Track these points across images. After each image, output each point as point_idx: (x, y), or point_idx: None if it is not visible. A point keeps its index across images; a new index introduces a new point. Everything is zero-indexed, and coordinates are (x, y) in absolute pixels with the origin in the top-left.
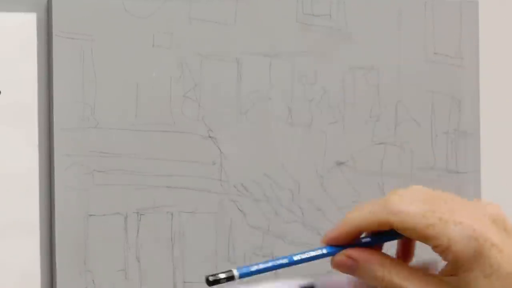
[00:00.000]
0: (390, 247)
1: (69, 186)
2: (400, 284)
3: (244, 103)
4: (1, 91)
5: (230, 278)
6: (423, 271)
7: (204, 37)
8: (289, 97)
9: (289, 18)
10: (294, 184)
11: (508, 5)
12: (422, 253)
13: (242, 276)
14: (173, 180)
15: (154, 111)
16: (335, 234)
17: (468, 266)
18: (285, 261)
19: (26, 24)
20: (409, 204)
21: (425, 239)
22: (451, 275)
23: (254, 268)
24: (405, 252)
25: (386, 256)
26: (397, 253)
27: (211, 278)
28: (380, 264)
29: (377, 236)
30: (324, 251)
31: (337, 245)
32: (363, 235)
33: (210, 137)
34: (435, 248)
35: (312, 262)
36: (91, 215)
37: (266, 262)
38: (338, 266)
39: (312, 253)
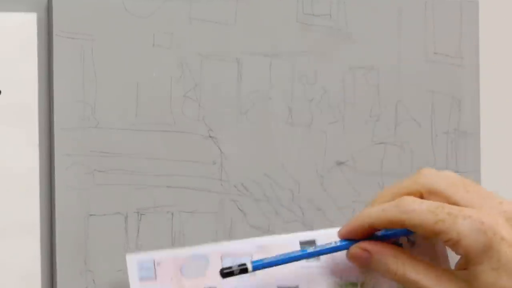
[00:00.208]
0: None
1: (69, 186)
2: (413, 278)
3: (245, 103)
4: (1, 91)
5: (244, 270)
6: (436, 265)
7: (204, 37)
8: (289, 97)
9: (289, 18)
10: (294, 184)
11: (508, 5)
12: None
13: (255, 268)
14: (174, 180)
15: (155, 110)
16: (348, 228)
17: (478, 259)
18: (298, 253)
19: (26, 24)
20: (420, 203)
21: (435, 235)
22: (464, 269)
23: (267, 260)
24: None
25: (400, 249)
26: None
27: (225, 271)
28: (393, 256)
29: (392, 230)
30: (338, 243)
31: (351, 238)
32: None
33: (210, 137)
34: (446, 242)
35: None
36: (91, 214)
37: (280, 255)
38: (353, 258)
39: (325, 245)
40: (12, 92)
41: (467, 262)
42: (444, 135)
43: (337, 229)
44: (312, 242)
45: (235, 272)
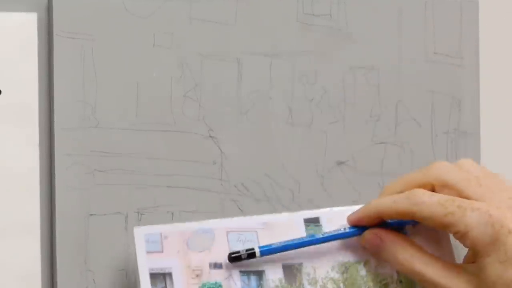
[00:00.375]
0: None
1: (69, 186)
2: (420, 270)
3: (245, 103)
4: (2, 91)
5: (252, 255)
6: (441, 255)
7: (204, 37)
8: (290, 97)
9: (290, 18)
10: (295, 183)
11: (508, 5)
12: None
13: (263, 253)
14: (174, 180)
15: (155, 110)
16: (358, 216)
17: (485, 251)
18: (306, 239)
19: (27, 24)
20: (430, 195)
21: (444, 227)
22: (472, 262)
23: (275, 245)
24: None
25: (410, 240)
26: None
27: (233, 255)
28: (403, 247)
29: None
30: (346, 230)
31: (359, 226)
32: None
33: (210, 136)
34: (454, 235)
35: None
36: (91, 214)
37: (288, 240)
38: (366, 243)
39: (334, 232)
40: (13, 92)
41: (475, 255)
42: (444, 135)
43: (341, 208)
44: (316, 220)
45: (242, 257)
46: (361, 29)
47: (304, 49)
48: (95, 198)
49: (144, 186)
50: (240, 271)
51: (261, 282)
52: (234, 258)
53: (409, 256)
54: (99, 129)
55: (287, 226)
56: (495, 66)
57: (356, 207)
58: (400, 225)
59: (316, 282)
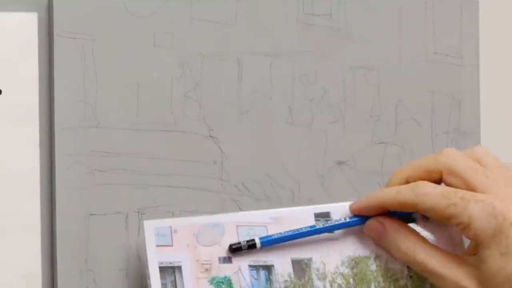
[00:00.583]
0: None
1: (70, 186)
2: (422, 260)
3: (245, 102)
4: (2, 91)
5: (252, 246)
6: (447, 248)
7: (205, 37)
8: (290, 97)
9: (290, 18)
10: (295, 183)
11: (508, 5)
12: None
13: (263, 244)
14: (174, 180)
15: (155, 110)
16: (361, 205)
17: (487, 243)
18: (306, 229)
19: (27, 23)
20: (434, 187)
21: (446, 218)
22: (474, 254)
23: (276, 236)
24: None
25: (412, 230)
26: None
27: (234, 246)
28: (405, 235)
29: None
30: (348, 220)
31: (362, 215)
32: None
33: (211, 136)
34: (457, 226)
35: None
36: (92, 214)
37: (288, 231)
38: (369, 231)
39: (334, 222)
40: (13, 92)
41: (477, 247)
42: (444, 135)
43: (351, 203)
44: (326, 214)
45: (243, 247)
46: (361, 29)
47: (304, 49)
48: (95, 198)
49: (144, 186)
50: (249, 266)
51: (270, 276)
52: (235, 249)
53: (411, 245)
54: (100, 129)
55: (297, 220)
56: (495, 66)
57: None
58: (405, 216)
59: (325, 277)
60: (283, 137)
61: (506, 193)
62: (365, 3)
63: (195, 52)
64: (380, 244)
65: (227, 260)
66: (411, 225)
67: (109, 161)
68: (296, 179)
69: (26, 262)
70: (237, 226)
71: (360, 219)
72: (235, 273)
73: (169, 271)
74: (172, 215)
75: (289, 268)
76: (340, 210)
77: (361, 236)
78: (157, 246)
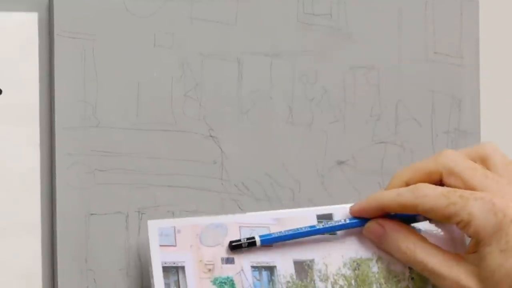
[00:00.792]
0: None
1: (70, 185)
2: (422, 259)
3: (245, 102)
4: (2, 91)
5: (252, 244)
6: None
7: (205, 36)
8: (290, 97)
9: (290, 17)
10: (295, 183)
11: (508, 5)
12: None
13: (263, 242)
14: (174, 179)
15: (155, 110)
16: (361, 207)
17: (487, 240)
18: (306, 229)
19: (28, 23)
20: (434, 188)
21: (446, 218)
22: (474, 252)
23: (275, 235)
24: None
25: (412, 230)
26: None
27: (234, 243)
28: (405, 236)
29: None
30: (347, 221)
31: (362, 217)
32: None
33: (211, 136)
34: (457, 225)
35: None
36: (92, 214)
37: (288, 230)
38: (369, 233)
39: (334, 223)
40: (13, 92)
41: (477, 244)
42: (445, 134)
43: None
44: (329, 216)
45: (243, 245)
46: (361, 28)
47: (304, 49)
48: (95, 198)
49: (144, 186)
50: (252, 266)
51: (273, 277)
52: (235, 246)
53: (411, 245)
54: (100, 129)
55: (300, 221)
56: (495, 66)
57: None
58: (406, 218)
59: (327, 279)
60: (283, 137)
61: (507, 191)
62: (365, 3)
63: (195, 52)
64: (380, 246)
65: (229, 260)
66: (412, 225)
67: (110, 160)
68: (296, 179)
69: (26, 262)
70: (239, 227)
71: (360, 221)
72: (237, 273)
73: (173, 271)
74: (173, 214)
75: (291, 269)
76: (342, 212)
77: (363, 238)
78: (160, 246)
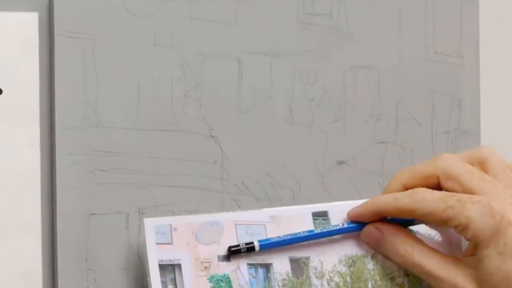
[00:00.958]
0: None
1: (70, 185)
2: (419, 262)
3: (245, 102)
4: (3, 91)
5: (251, 249)
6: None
7: (205, 36)
8: (290, 96)
9: (290, 17)
10: (295, 183)
11: (508, 5)
12: None
13: (262, 247)
14: (174, 179)
15: (156, 110)
16: (359, 212)
17: (484, 243)
18: (305, 234)
19: (28, 23)
20: (432, 193)
21: (444, 222)
22: (472, 255)
23: (274, 240)
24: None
25: (409, 233)
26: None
27: (233, 249)
28: (403, 239)
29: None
30: (345, 225)
31: (359, 221)
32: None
33: (211, 136)
34: (455, 229)
35: None
36: (92, 214)
37: (287, 235)
38: (366, 237)
39: (332, 227)
40: (14, 92)
41: (475, 247)
42: (445, 134)
43: (349, 202)
44: (324, 213)
45: (242, 250)
46: (361, 28)
47: (304, 49)
48: (96, 198)
49: (144, 186)
50: (248, 264)
51: (269, 275)
52: (234, 251)
53: (409, 248)
54: (100, 129)
55: (295, 219)
56: (495, 66)
57: (365, 201)
58: (403, 222)
59: (323, 276)
60: (283, 136)
61: (505, 195)
62: (365, 3)
63: (195, 52)
64: (378, 250)
65: (226, 258)
66: (409, 228)
67: (110, 160)
68: (296, 179)
69: (26, 262)
70: (235, 224)
71: (358, 225)
72: (234, 271)
73: (169, 269)
74: (173, 214)
75: (287, 267)
76: (337, 209)
77: (358, 235)
78: (157, 244)
